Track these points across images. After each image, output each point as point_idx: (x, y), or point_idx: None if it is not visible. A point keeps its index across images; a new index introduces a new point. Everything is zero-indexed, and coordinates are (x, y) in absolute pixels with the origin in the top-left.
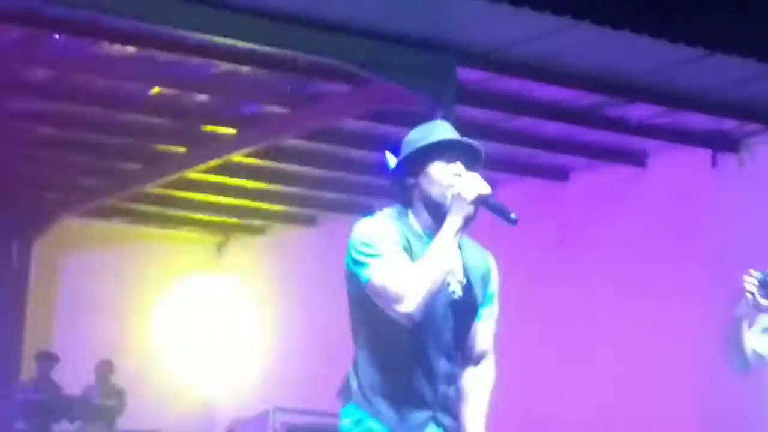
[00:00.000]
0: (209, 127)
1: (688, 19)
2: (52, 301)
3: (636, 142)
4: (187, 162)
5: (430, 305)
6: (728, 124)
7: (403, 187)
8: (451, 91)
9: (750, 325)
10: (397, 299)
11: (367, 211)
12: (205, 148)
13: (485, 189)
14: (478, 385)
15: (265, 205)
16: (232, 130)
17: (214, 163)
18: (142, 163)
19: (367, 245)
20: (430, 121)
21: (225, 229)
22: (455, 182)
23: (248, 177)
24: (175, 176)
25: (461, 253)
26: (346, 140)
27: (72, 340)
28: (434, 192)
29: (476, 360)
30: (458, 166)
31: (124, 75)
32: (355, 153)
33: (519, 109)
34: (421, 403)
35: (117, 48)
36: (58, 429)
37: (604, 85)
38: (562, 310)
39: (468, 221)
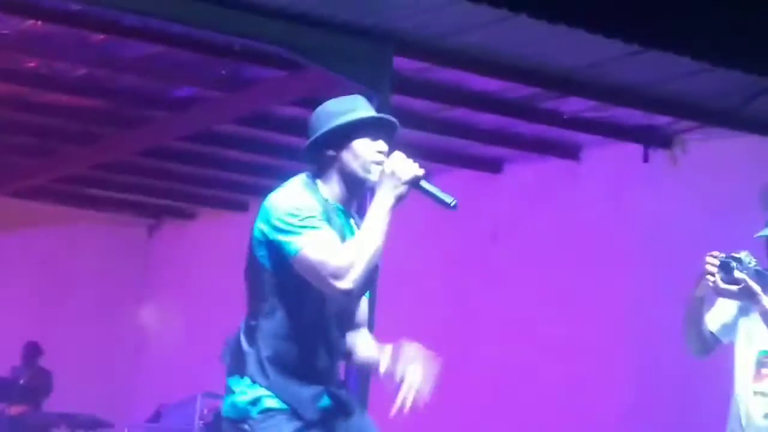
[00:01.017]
0: (142, 110)
1: (624, 15)
2: None
3: (570, 135)
4: (120, 144)
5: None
6: (661, 120)
7: (319, 157)
8: (386, 79)
9: (708, 309)
10: (336, 275)
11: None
12: (137, 130)
13: (420, 171)
14: (360, 344)
15: (197, 190)
16: (165, 113)
17: (146, 145)
18: (73, 144)
19: (294, 215)
20: (350, 96)
21: (156, 213)
22: (387, 160)
23: (180, 161)
24: (107, 158)
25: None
26: (280, 126)
27: None
28: (357, 167)
29: (353, 329)
30: (382, 144)
31: (57, 54)
32: (289, 139)
33: (454, 99)
34: (316, 377)
35: (50, 27)
36: None
37: (539, 78)
38: (494, 303)
39: (399, 200)
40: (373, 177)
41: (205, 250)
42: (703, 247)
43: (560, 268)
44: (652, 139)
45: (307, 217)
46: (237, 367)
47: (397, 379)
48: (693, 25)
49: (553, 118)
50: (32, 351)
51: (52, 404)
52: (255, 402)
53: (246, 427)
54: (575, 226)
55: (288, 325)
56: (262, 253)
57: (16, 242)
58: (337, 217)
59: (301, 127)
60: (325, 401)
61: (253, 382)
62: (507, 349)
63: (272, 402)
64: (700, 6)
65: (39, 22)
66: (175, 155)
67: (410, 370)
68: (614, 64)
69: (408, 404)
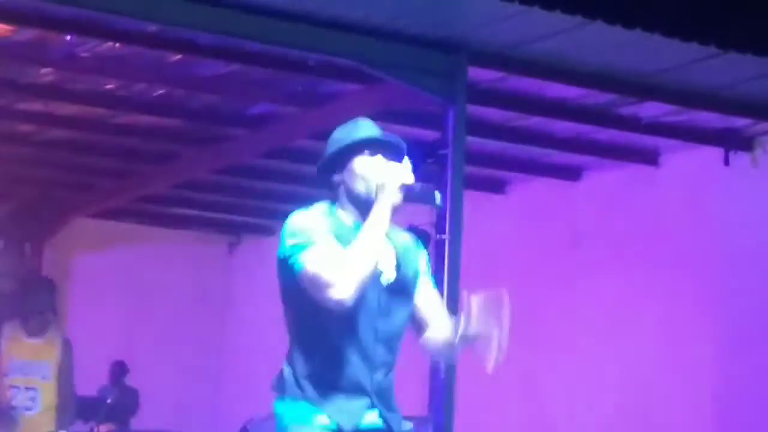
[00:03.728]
0: (220, 128)
1: (701, 17)
2: (64, 302)
3: (648, 140)
4: (198, 163)
5: (362, 293)
6: (741, 122)
7: (329, 184)
8: (462, 90)
9: None
10: (329, 285)
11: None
12: (215, 148)
13: (407, 177)
14: (439, 329)
15: (275, 206)
16: (242, 131)
17: (224, 163)
18: (152, 164)
19: (298, 235)
20: (356, 119)
21: (236, 230)
22: (378, 174)
23: (258, 177)
24: (186, 177)
25: (390, 241)
26: None
27: (84, 341)
28: (358, 186)
29: (427, 326)
30: (380, 159)
31: (135, 75)
32: None
33: (530, 108)
34: (358, 391)
35: (127, 48)
36: (73, 430)
37: (615, 84)
38: (575, 310)
39: (394, 209)
40: (374, 192)
41: None
42: None
43: (641, 274)
44: (732, 141)
45: (309, 235)
46: (279, 390)
47: (476, 336)
48: None
49: (631, 124)
50: (119, 370)
51: (139, 422)
52: (298, 417)
53: None
54: (656, 232)
55: (317, 344)
56: (284, 276)
57: (98, 262)
58: (355, 236)
59: None
60: (370, 416)
61: (294, 399)
62: (584, 357)
63: (317, 420)
64: None
65: (116, 44)
66: (253, 172)
67: (486, 323)
68: (691, 67)
69: (499, 356)
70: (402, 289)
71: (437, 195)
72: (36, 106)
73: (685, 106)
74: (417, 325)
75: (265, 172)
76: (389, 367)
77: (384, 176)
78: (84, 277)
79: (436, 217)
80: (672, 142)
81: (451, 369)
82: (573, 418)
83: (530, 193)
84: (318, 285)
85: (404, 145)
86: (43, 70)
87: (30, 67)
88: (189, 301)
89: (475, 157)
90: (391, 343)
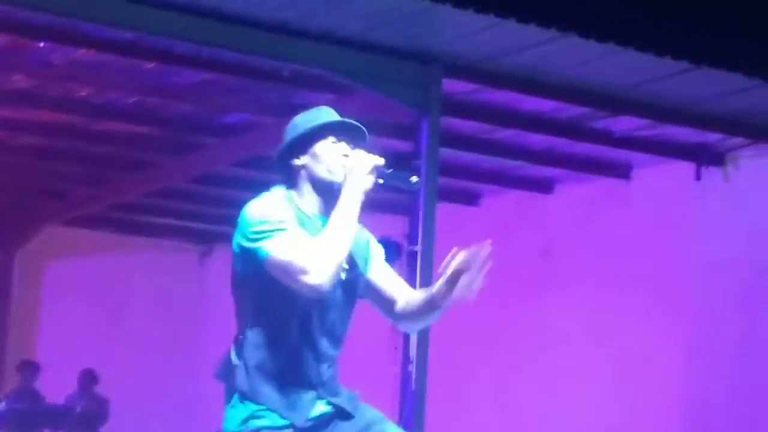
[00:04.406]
0: (194, 137)
1: (674, 33)
2: (35, 310)
3: (620, 154)
4: (172, 171)
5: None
6: (713, 137)
7: (289, 168)
8: (436, 102)
9: None
10: (304, 271)
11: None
12: (189, 157)
13: (378, 160)
14: (415, 292)
15: None
16: (216, 140)
17: (198, 172)
18: (125, 172)
19: (264, 222)
20: (317, 107)
21: (208, 239)
22: (346, 160)
23: (231, 187)
24: (159, 185)
25: None
26: None
27: (54, 349)
28: (322, 171)
29: (397, 299)
30: (344, 146)
31: (109, 83)
32: None
33: (504, 120)
34: (306, 384)
35: (101, 56)
36: None
37: (589, 98)
38: (546, 321)
39: (366, 193)
40: (338, 178)
41: None
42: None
43: (611, 287)
44: (704, 156)
45: (276, 221)
46: (228, 381)
47: (454, 274)
48: (743, 42)
49: (604, 138)
50: (89, 378)
51: (109, 431)
52: (245, 421)
53: None
54: (627, 245)
55: (271, 334)
56: (240, 266)
57: (70, 270)
58: (315, 227)
59: None
60: (318, 407)
61: (243, 397)
62: (555, 368)
63: (262, 422)
64: (750, 23)
65: (91, 51)
66: (226, 181)
67: (461, 267)
68: (665, 82)
69: (469, 293)
70: (352, 283)
71: (414, 179)
72: (8, 112)
73: (658, 121)
74: (386, 303)
75: (238, 182)
76: (333, 360)
77: (353, 160)
78: (55, 285)
79: (408, 228)
80: (644, 156)
81: (421, 379)
82: (544, 428)
83: (503, 205)
84: (291, 271)
85: (366, 132)
86: (16, 77)
87: (2, 73)
88: (161, 310)
89: (448, 169)
90: (337, 337)
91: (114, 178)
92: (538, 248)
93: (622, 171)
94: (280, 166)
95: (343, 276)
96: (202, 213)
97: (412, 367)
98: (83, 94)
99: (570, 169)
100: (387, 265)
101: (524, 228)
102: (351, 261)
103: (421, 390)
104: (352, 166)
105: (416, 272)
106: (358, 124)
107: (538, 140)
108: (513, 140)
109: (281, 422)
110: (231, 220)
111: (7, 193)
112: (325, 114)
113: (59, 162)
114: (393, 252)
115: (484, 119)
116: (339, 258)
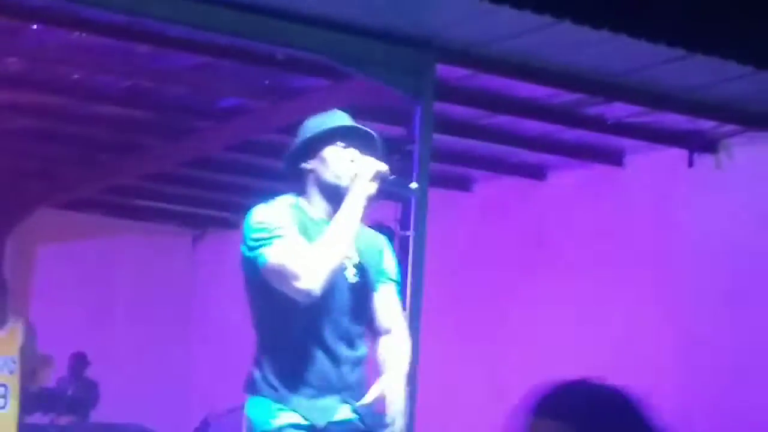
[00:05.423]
0: (187, 121)
1: (668, 20)
2: (27, 293)
3: (613, 141)
4: (165, 155)
5: (325, 291)
6: (706, 124)
7: (297, 173)
8: (429, 87)
9: None
10: (295, 276)
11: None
12: (182, 141)
13: (382, 166)
14: (389, 355)
15: (241, 200)
16: (210, 124)
17: (191, 156)
18: (118, 155)
19: (262, 229)
20: (330, 111)
21: (201, 223)
22: (352, 166)
23: (225, 171)
24: (152, 169)
25: (356, 240)
26: None
27: (46, 332)
28: (329, 176)
29: (384, 333)
30: (352, 152)
31: (102, 66)
32: None
33: (497, 106)
34: (328, 388)
35: (94, 39)
36: (30, 420)
37: (582, 84)
38: (539, 308)
39: (369, 200)
40: (344, 183)
41: None
42: (749, 252)
43: (604, 273)
44: (697, 143)
45: (274, 229)
46: (251, 389)
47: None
48: (737, 29)
49: (597, 124)
50: (79, 362)
51: (99, 415)
52: (270, 415)
53: None
54: (619, 232)
55: (283, 341)
56: (246, 273)
57: (62, 253)
58: (321, 231)
59: None
60: (343, 412)
61: (264, 399)
62: (548, 354)
63: (286, 419)
64: (744, 10)
65: (83, 34)
66: (220, 165)
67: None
68: (658, 69)
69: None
70: (363, 287)
71: (413, 185)
72: (0, 95)
73: (651, 108)
74: (373, 329)
75: (231, 166)
76: (355, 363)
77: (358, 166)
78: (47, 268)
79: (401, 213)
80: (637, 142)
81: (412, 366)
82: None
83: (496, 191)
84: (283, 277)
85: (378, 139)
86: (9, 59)
87: None
88: (153, 294)
89: (441, 155)
90: (352, 340)
91: (106, 162)
92: (531, 234)
93: (615, 157)
94: (289, 170)
95: (352, 280)
96: (196, 197)
97: None
98: (76, 77)
99: (563, 156)
100: (394, 290)
101: (517, 214)
102: (361, 266)
103: (412, 376)
104: (357, 172)
105: (408, 257)
106: (368, 130)
107: (531, 126)
108: (506, 126)
109: (304, 423)
110: (224, 205)
111: (0, 176)
112: (337, 118)
113: (51, 145)
114: (386, 237)
115: (477, 105)
116: (333, 264)
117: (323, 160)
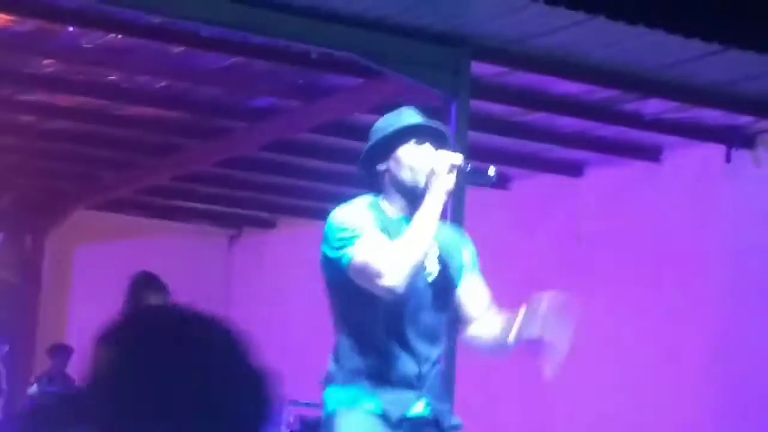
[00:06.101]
0: (222, 121)
1: (704, 14)
2: (66, 294)
3: (650, 137)
4: (200, 155)
5: (407, 287)
6: (743, 119)
7: (373, 174)
8: (465, 85)
9: None
10: (379, 274)
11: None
12: (217, 141)
13: (456, 158)
14: (491, 318)
15: (276, 199)
16: (244, 124)
17: (226, 156)
18: (154, 156)
19: (344, 229)
20: (400, 108)
21: (237, 223)
22: (427, 162)
23: (260, 170)
24: (188, 169)
25: (435, 236)
26: (358, 134)
27: (86, 333)
28: (405, 174)
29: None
30: (427, 147)
31: (137, 67)
32: None
33: (533, 103)
34: (405, 384)
35: (130, 40)
36: None
37: (618, 80)
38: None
39: (448, 194)
40: (421, 180)
41: (286, 258)
42: None
43: (642, 271)
44: (734, 139)
45: (354, 228)
46: (329, 383)
47: (536, 338)
48: None
49: (634, 121)
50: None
51: None
52: (352, 402)
53: (336, 417)
54: (657, 229)
55: (363, 339)
56: (328, 273)
57: (100, 254)
58: (400, 229)
59: None
60: (418, 407)
61: (342, 386)
62: (584, 355)
63: (362, 404)
64: None
65: (119, 36)
66: (255, 165)
67: (547, 327)
68: (694, 64)
69: (559, 362)
70: (444, 283)
71: (491, 169)
72: (38, 96)
73: (688, 103)
74: (461, 319)
75: (266, 165)
76: (434, 360)
77: (434, 163)
78: (85, 269)
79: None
80: (674, 138)
81: (450, 362)
82: (573, 416)
83: (533, 188)
84: (368, 274)
85: (449, 131)
86: (45, 61)
87: (32, 58)
88: (189, 294)
89: (477, 153)
90: (434, 337)
91: (143, 162)
92: (569, 231)
93: (652, 154)
94: (364, 173)
95: (430, 279)
96: (231, 197)
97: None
98: (112, 78)
99: (600, 152)
100: (479, 278)
101: (554, 211)
102: (442, 263)
103: (450, 373)
104: (434, 168)
105: None
106: (439, 125)
107: (567, 123)
108: (542, 123)
109: (378, 410)
110: (259, 204)
111: (36, 178)
112: (406, 117)
113: (88, 146)
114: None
115: (513, 102)
116: (415, 260)
117: (398, 160)
